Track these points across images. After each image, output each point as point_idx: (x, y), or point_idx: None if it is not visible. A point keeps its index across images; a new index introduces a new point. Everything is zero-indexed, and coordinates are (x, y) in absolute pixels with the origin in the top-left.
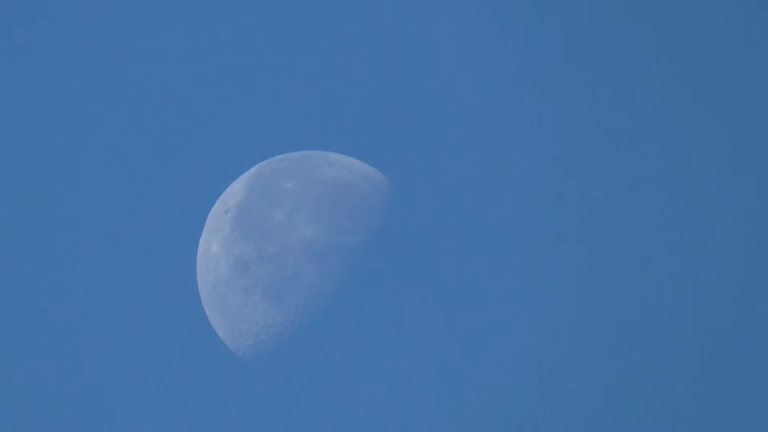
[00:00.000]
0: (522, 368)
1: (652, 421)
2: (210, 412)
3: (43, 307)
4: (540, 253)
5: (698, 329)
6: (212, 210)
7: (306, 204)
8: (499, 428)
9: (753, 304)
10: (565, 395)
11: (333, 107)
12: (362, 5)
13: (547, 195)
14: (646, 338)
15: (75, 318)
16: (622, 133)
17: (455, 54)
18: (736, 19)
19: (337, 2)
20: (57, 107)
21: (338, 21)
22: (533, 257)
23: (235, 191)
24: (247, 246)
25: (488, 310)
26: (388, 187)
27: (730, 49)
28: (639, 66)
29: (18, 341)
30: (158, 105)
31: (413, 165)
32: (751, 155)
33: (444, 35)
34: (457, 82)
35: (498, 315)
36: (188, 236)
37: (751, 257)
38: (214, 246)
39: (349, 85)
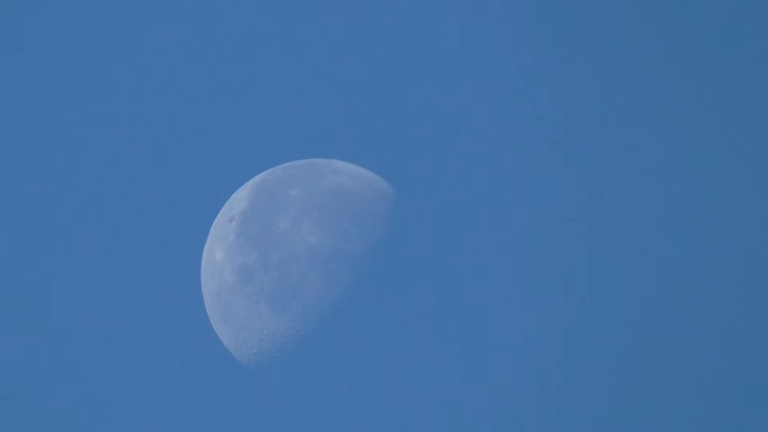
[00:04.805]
0: (525, 375)
1: (652, 421)
2: (214, 420)
3: (46, 313)
4: (545, 261)
5: (699, 330)
6: (217, 218)
7: (310, 212)
8: None
9: (754, 304)
10: (570, 401)
11: (337, 115)
12: (367, 14)
13: (552, 203)
14: (648, 339)
15: (79, 324)
16: (628, 138)
17: (460, 62)
18: (736, 20)
19: (342, 11)
20: (61, 114)
21: (343, 29)
22: (538, 264)
23: (239, 199)
24: (252, 253)
25: (493, 317)
26: (392, 194)
27: (730, 49)
28: (641, 67)
29: (22, 349)
30: (163, 113)
31: (417, 172)
32: (752, 154)
33: (448, 43)
34: (461, 90)
35: (502, 323)
36: (193, 244)
37: (751, 257)
38: (218, 253)
39: (353, 93)
